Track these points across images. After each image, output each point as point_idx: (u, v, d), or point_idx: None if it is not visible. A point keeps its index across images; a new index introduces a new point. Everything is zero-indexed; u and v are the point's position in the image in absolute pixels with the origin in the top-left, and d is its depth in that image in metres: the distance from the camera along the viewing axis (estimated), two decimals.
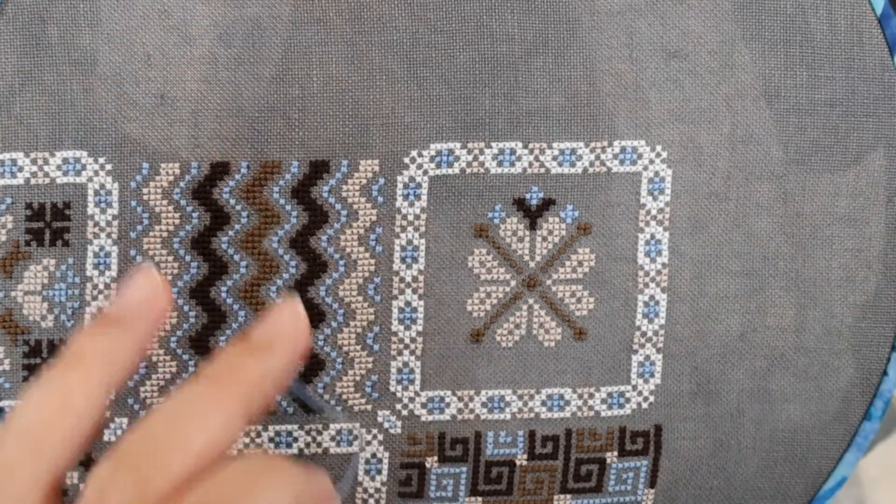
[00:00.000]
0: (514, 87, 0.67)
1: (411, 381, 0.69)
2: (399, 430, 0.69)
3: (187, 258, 0.67)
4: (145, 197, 0.66)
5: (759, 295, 0.70)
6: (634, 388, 0.70)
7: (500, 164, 0.68)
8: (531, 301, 0.69)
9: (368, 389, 0.69)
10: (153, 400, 0.68)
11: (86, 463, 0.68)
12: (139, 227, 0.67)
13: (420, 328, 0.68)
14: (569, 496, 0.71)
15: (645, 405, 0.70)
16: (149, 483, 0.50)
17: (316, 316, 0.68)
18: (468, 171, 0.68)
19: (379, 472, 0.70)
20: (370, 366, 0.69)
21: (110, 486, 0.51)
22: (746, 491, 0.72)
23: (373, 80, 0.67)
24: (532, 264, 0.69)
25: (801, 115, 0.69)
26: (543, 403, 0.70)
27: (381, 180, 0.67)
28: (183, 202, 0.67)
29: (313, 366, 0.68)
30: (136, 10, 0.65)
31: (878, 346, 0.71)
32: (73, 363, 0.53)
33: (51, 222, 0.66)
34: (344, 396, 0.69)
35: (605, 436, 0.70)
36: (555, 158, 0.68)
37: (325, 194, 0.67)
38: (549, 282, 0.69)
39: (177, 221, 0.67)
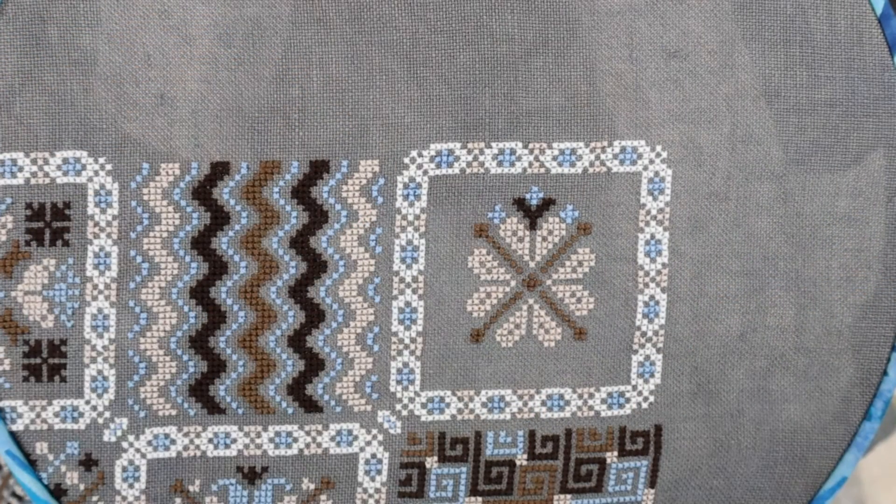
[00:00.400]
0: (514, 87, 0.67)
1: (411, 381, 0.69)
2: (399, 430, 0.69)
3: (187, 258, 0.67)
4: (145, 197, 0.66)
5: (759, 295, 0.70)
6: (634, 388, 0.70)
7: (500, 164, 0.68)
8: (531, 301, 0.69)
9: (368, 390, 0.69)
10: (153, 400, 0.68)
11: (85, 463, 0.68)
12: (139, 228, 0.67)
13: (420, 328, 0.68)
14: (569, 496, 0.71)
15: (645, 405, 0.70)
16: None
17: (316, 316, 0.68)
18: (468, 171, 0.68)
19: (379, 472, 0.70)
20: (370, 366, 0.69)
21: None
22: (746, 491, 0.72)
23: (373, 80, 0.66)
24: (532, 264, 0.69)
25: (801, 115, 0.69)
26: (543, 403, 0.70)
27: (381, 180, 0.67)
28: (183, 202, 0.67)
29: (313, 366, 0.68)
30: (136, 10, 0.65)
31: (878, 346, 0.71)
32: None
33: (51, 222, 0.66)
34: (344, 396, 0.69)
35: (605, 436, 0.70)
36: (555, 158, 0.68)
37: (325, 194, 0.67)
38: (549, 282, 0.69)
39: (177, 221, 0.67)
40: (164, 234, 0.67)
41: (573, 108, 0.67)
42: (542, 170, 0.68)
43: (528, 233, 0.68)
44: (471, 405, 0.69)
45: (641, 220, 0.69)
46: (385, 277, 0.68)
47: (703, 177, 0.69)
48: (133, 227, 0.67)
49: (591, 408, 0.70)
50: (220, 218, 0.67)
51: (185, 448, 0.69)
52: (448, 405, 0.69)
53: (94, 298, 0.67)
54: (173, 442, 0.68)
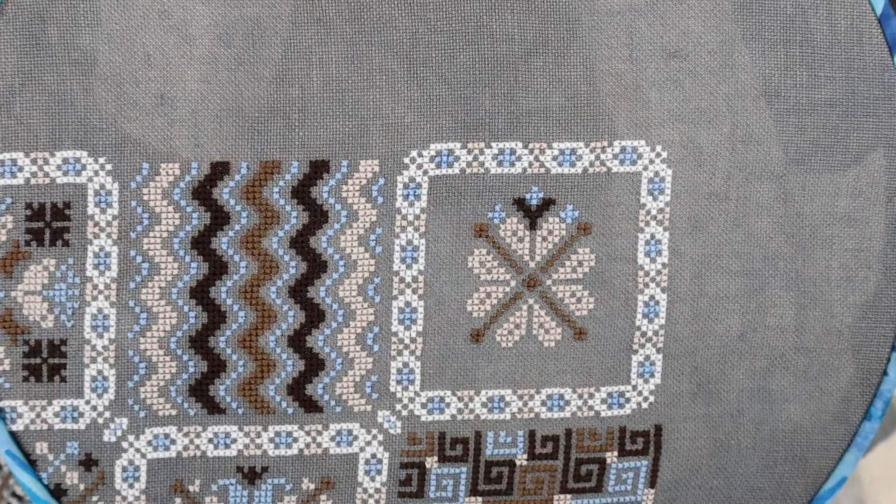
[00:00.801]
0: (514, 87, 0.67)
1: (411, 381, 0.69)
2: (399, 430, 0.69)
3: (187, 258, 0.67)
4: (145, 197, 0.66)
5: (759, 295, 0.70)
6: (634, 388, 0.70)
7: (500, 164, 0.68)
8: (531, 301, 0.69)
9: (368, 390, 0.69)
10: (153, 400, 0.68)
11: (85, 463, 0.68)
12: (139, 228, 0.67)
13: (420, 328, 0.68)
14: (569, 496, 0.71)
15: (645, 405, 0.70)
16: None
17: (316, 316, 0.68)
18: (468, 171, 0.68)
19: (379, 472, 0.70)
20: (370, 366, 0.69)
21: None
22: (746, 491, 0.72)
23: (373, 80, 0.66)
24: (532, 264, 0.69)
25: (801, 115, 0.69)
26: (543, 403, 0.70)
27: (381, 180, 0.67)
28: (183, 202, 0.67)
29: (313, 366, 0.68)
30: (136, 10, 0.65)
31: (878, 346, 0.71)
32: None
33: (51, 222, 0.66)
34: (344, 396, 0.69)
35: (605, 436, 0.70)
36: (555, 158, 0.68)
37: (325, 194, 0.67)
38: (549, 282, 0.69)
39: (177, 221, 0.67)
40: (164, 234, 0.67)
41: (573, 108, 0.67)
42: (542, 170, 0.68)
43: (528, 233, 0.68)
44: (471, 405, 0.69)
45: (641, 220, 0.69)
46: (385, 277, 0.68)
47: (703, 177, 0.69)
48: (133, 227, 0.67)
49: (591, 408, 0.70)
50: (220, 218, 0.67)
51: (185, 448, 0.69)
52: (448, 405, 0.69)
53: (94, 298, 0.67)
54: (173, 442, 0.68)
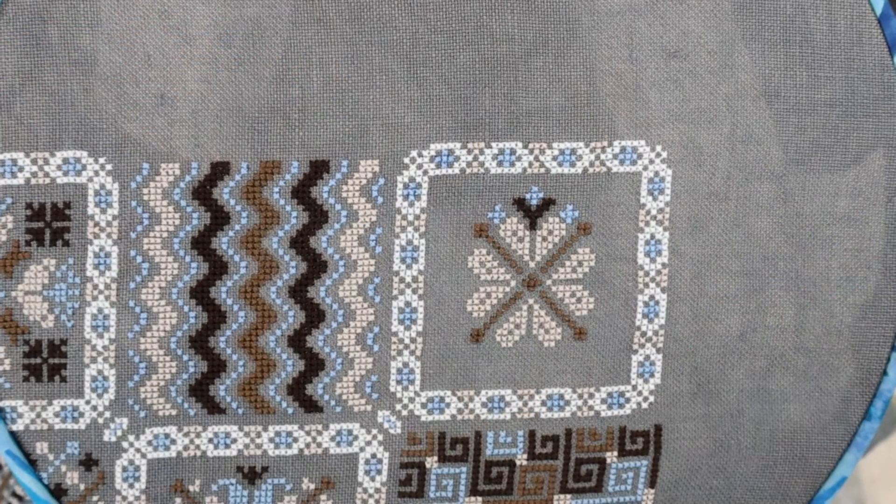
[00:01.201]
0: (514, 87, 0.67)
1: (411, 381, 0.69)
2: (399, 430, 0.69)
3: (187, 258, 0.67)
4: (145, 197, 0.66)
5: (759, 295, 0.70)
6: (634, 388, 0.70)
7: (500, 164, 0.68)
8: (531, 301, 0.69)
9: (368, 390, 0.69)
10: (153, 400, 0.68)
11: (86, 463, 0.68)
12: (139, 228, 0.67)
13: (420, 328, 0.68)
14: (569, 496, 0.71)
15: (645, 405, 0.70)
16: None
17: (316, 316, 0.68)
18: (468, 171, 0.68)
19: (379, 472, 0.70)
20: (370, 366, 0.69)
21: None
22: (746, 491, 0.72)
23: (373, 80, 0.67)
24: (532, 264, 0.69)
25: (801, 115, 0.69)
26: (543, 403, 0.70)
27: (381, 180, 0.67)
28: (183, 202, 0.67)
29: (313, 366, 0.68)
30: (136, 11, 0.65)
31: (878, 346, 0.71)
32: None
33: (51, 222, 0.66)
34: (344, 396, 0.69)
35: (605, 436, 0.70)
36: (555, 158, 0.68)
37: (325, 194, 0.67)
38: (549, 282, 0.69)
39: (177, 222, 0.67)
40: (164, 234, 0.67)
41: (573, 108, 0.67)
42: (542, 170, 0.68)
43: (528, 233, 0.68)
44: (471, 405, 0.69)
45: (641, 220, 0.69)
46: (385, 277, 0.68)
47: (703, 177, 0.69)
48: (133, 227, 0.67)
49: (591, 408, 0.70)
50: (220, 218, 0.67)
51: (186, 448, 0.69)
52: (448, 405, 0.69)
53: (95, 298, 0.67)
54: (173, 442, 0.68)
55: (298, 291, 0.68)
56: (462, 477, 0.70)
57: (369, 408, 0.69)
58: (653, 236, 0.69)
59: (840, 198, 0.70)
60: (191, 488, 0.69)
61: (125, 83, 0.66)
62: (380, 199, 0.67)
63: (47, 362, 0.67)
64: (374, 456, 0.69)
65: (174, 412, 0.68)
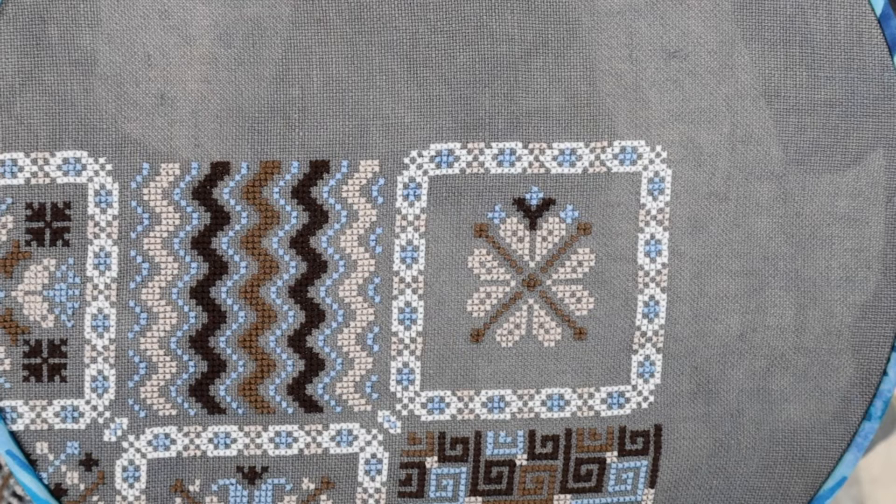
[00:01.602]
0: (514, 87, 0.67)
1: (411, 381, 0.69)
2: (399, 430, 0.69)
3: (187, 258, 0.67)
4: (145, 197, 0.67)
5: (758, 295, 0.70)
6: (634, 388, 0.70)
7: (500, 164, 0.68)
8: (531, 301, 0.69)
9: (368, 390, 0.69)
10: (153, 400, 0.68)
11: (86, 463, 0.68)
12: (139, 228, 0.67)
13: (420, 328, 0.69)
14: (569, 496, 0.71)
15: (645, 405, 0.70)
16: None
17: (316, 316, 0.68)
18: (468, 171, 0.68)
19: (379, 472, 0.70)
20: (370, 366, 0.69)
21: None
22: (746, 491, 0.72)
23: (373, 80, 0.67)
24: (532, 264, 0.69)
25: (801, 115, 0.69)
26: (543, 403, 0.70)
27: (381, 180, 0.67)
28: (183, 202, 0.67)
29: (313, 366, 0.68)
30: (136, 10, 0.65)
31: (878, 346, 0.71)
32: None
33: (51, 222, 0.66)
34: (344, 396, 0.69)
35: (605, 436, 0.70)
36: (555, 158, 0.68)
37: (325, 194, 0.67)
38: (549, 282, 0.69)
39: (177, 222, 0.67)
40: (165, 234, 0.67)
41: (573, 108, 0.67)
42: (542, 170, 0.68)
43: (528, 233, 0.68)
44: (471, 405, 0.69)
45: (641, 220, 0.69)
46: (385, 277, 0.68)
47: (703, 177, 0.69)
48: (133, 227, 0.67)
49: (591, 408, 0.70)
50: (220, 218, 0.67)
51: (186, 448, 0.69)
52: (448, 405, 0.69)
53: (95, 298, 0.67)
54: (173, 442, 0.68)
55: (298, 291, 0.68)
56: (462, 477, 0.70)
57: (369, 408, 0.69)
58: (653, 236, 0.69)
59: (840, 198, 0.70)
60: (191, 488, 0.69)
61: (125, 83, 0.66)
62: (380, 199, 0.67)
63: (47, 362, 0.67)
64: (374, 456, 0.69)
65: (174, 412, 0.68)
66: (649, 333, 0.69)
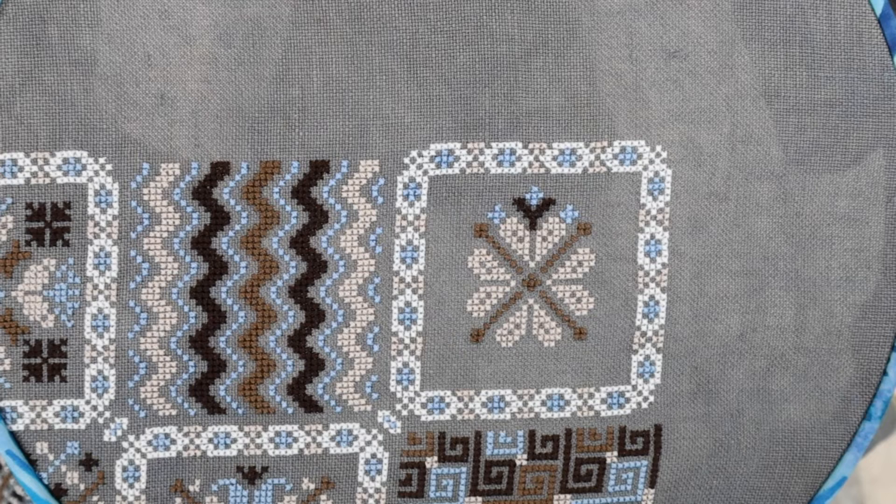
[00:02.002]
0: (514, 87, 0.67)
1: (411, 381, 0.69)
2: (399, 430, 0.69)
3: (187, 258, 0.67)
4: (145, 197, 0.67)
5: (758, 295, 0.70)
6: (634, 388, 0.70)
7: (500, 164, 0.68)
8: (531, 301, 0.69)
9: (368, 390, 0.69)
10: (153, 400, 0.68)
11: (86, 463, 0.68)
12: (139, 228, 0.67)
13: (420, 328, 0.69)
14: (569, 496, 0.71)
15: (645, 405, 0.70)
16: None
17: (316, 316, 0.68)
18: (468, 171, 0.68)
19: (379, 472, 0.70)
20: (370, 366, 0.69)
21: None
22: (746, 491, 0.72)
23: (373, 80, 0.67)
24: (532, 264, 0.69)
25: (801, 115, 0.69)
26: (543, 403, 0.70)
27: (381, 180, 0.67)
28: (183, 202, 0.67)
29: (313, 366, 0.68)
30: (136, 10, 0.65)
31: (878, 346, 0.71)
32: None
33: (51, 222, 0.66)
34: (344, 396, 0.69)
35: (605, 436, 0.70)
36: (555, 158, 0.68)
37: (325, 194, 0.67)
38: (548, 282, 0.69)
39: (177, 222, 0.67)
40: (165, 234, 0.67)
41: (573, 108, 0.67)
42: (542, 170, 0.68)
43: (528, 233, 0.68)
44: (471, 405, 0.69)
45: (641, 220, 0.69)
46: (385, 277, 0.68)
47: (703, 177, 0.69)
48: (133, 227, 0.67)
49: (591, 408, 0.70)
50: (220, 218, 0.67)
51: (186, 448, 0.69)
52: (448, 405, 0.69)
53: (95, 298, 0.67)
54: (173, 442, 0.68)
55: (298, 291, 0.68)
56: (462, 477, 0.70)
57: (369, 408, 0.69)
58: (653, 236, 0.69)
59: (840, 198, 0.70)
60: (191, 488, 0.69)
61: (125, 83, 0.66)
62: (380, 199, 0.67)
63: (47, 362, 0.67)
64: (374, 456, 0.69)
65: (174, 412, 0.68)
66: (649, 333, 0.69)
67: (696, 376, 0.70)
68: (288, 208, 0.67)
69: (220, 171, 0.67)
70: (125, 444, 0.68)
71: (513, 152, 0.68)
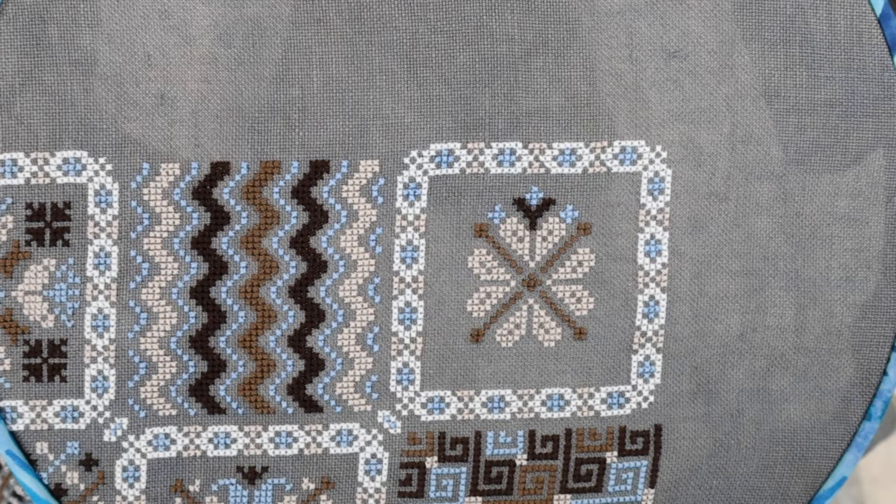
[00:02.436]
0: (514, 87, 0.67)
1: (411, 381, 0.69)
2: (399, 430, 0.69)
3: (187, 258, 0.67)
4: (145, 197, 0.67)
5: (758, 295, 0.70)
6: (634, 388, 0.70)
7: (500, 164, 0.68)
8: (531, 301, 0.69)
9: (368, 390, 0.69)
10: (153, 400, 0.68)
11: (86, 463, 0.68)
12: (139, 228, 0.67)
13: (420, 328, 0.69)
14: (569, 496, 0.71)
15: (645, 405, 0.70)
16: None
17: (316, 316, 0.68)
18: (468, 171, 0.68)
19: (379, 472, 0.70)
20: (370, 366, 0.69)
21: None
22: (746, 491, 0.72)
23: (373, 80, 0.67)
24: (532, 264, 0.69)
25: (801, 115, 0.69)
26: (543, 403, 0.70)
27: (381, 180, 0.67)
28: (183, 202, 0.67)
29: (313, 366, 0.68)
30: (136, 10, 0.65)
31: (878, 346, 0.71)
32: None
33: (51, 222, 0.66)
34: (344, 396, 0.69)
35: (605, 436, 0.70)
36: (555, 158, 0.68)
37: (325, 194, 0.67)
38: (548, 282, 0.69)
39: (177, 222, 0.67)
40: (165, 234, 0.67)
41: (573, 108, 0.67)
42: (542, 170, 0.68)
43: (528, 233, 0.68)
44: (471, 405, 0.69)
45: (641, 220, 0.69)
46: (385, 277, 0.68)
47: (703, 177, 0.69)
48: (133, 227, 0.67)
49: (591, 408, 0.70)
50: (220, 218, 0.67)
51: (186, 448, 0.69)
52: (448, 405, 0.69)
53: (95, 298, 0.67)
54: (173, 442, 0.68)
55: (298, 291, 0.68)
56: (462, 477, 0.70)
57: (369, 408, 0.69)
58: (653, 236, 0.69)
59: (840, 198, 0.70)
60: (191, 488, 0.69)
61: (125, 83, 0.66)
62: (380, 199, 0.67)
63: (47, 362, 0.67)
64: (374, 456, 0.69)
65: (174, 412, 0.68)
66: (649, 333, 0.69)
67: (696, 376, 0.70)
68: (288, 208, 0.67)
69: (220, 171, 0.67)
70: (125, 444, 0.68)
71: (513, 152, 0.68)
